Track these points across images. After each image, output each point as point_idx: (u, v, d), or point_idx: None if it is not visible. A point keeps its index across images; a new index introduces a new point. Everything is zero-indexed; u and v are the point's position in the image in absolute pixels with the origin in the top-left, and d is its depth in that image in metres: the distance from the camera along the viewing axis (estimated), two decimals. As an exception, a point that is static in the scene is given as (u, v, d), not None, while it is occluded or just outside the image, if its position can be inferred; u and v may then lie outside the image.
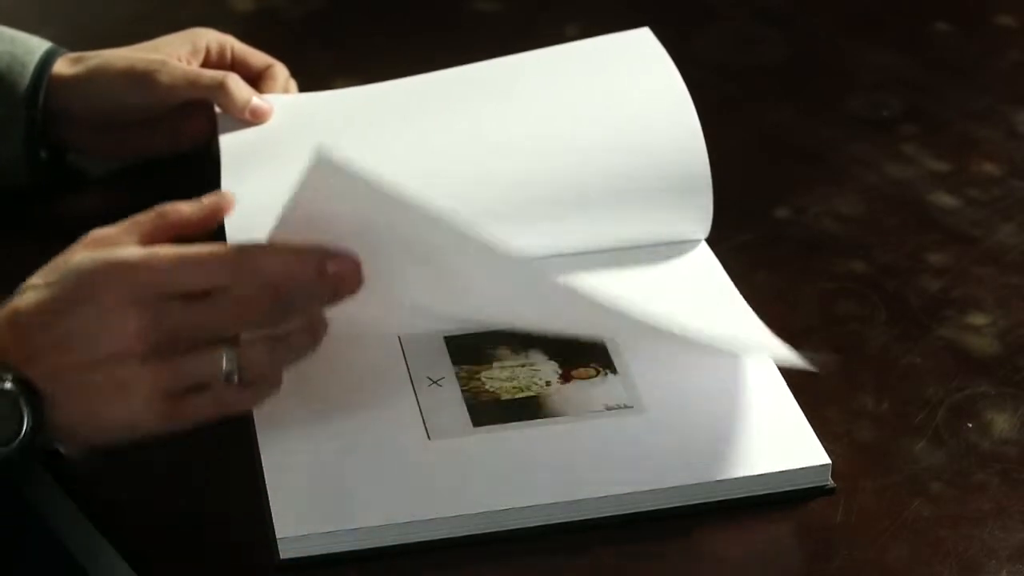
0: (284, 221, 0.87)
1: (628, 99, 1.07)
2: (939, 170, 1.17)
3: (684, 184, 1.04)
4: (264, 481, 0.90)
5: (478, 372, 0.97)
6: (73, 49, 1.11)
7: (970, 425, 0.96)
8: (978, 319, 1.04)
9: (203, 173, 1.07)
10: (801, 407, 0.95)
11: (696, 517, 0.90)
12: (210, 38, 1.14)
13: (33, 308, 0.86)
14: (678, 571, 0.89)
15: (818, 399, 0.96)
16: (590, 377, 0.97)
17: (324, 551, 0.88)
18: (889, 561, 0.88)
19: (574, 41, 1.12)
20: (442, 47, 1.25)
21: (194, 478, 0.93)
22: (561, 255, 1.04)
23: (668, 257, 1.05)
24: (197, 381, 0.87)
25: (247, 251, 0.87)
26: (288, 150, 1.02)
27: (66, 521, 0.95)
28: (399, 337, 0.99)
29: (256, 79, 1.14)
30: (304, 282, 0.87)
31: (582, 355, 0.98)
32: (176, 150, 1.12)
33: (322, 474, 0.91)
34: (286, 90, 1.15)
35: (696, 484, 0.90)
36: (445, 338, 0.99)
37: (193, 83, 1.09)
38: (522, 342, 0.99)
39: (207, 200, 0.91)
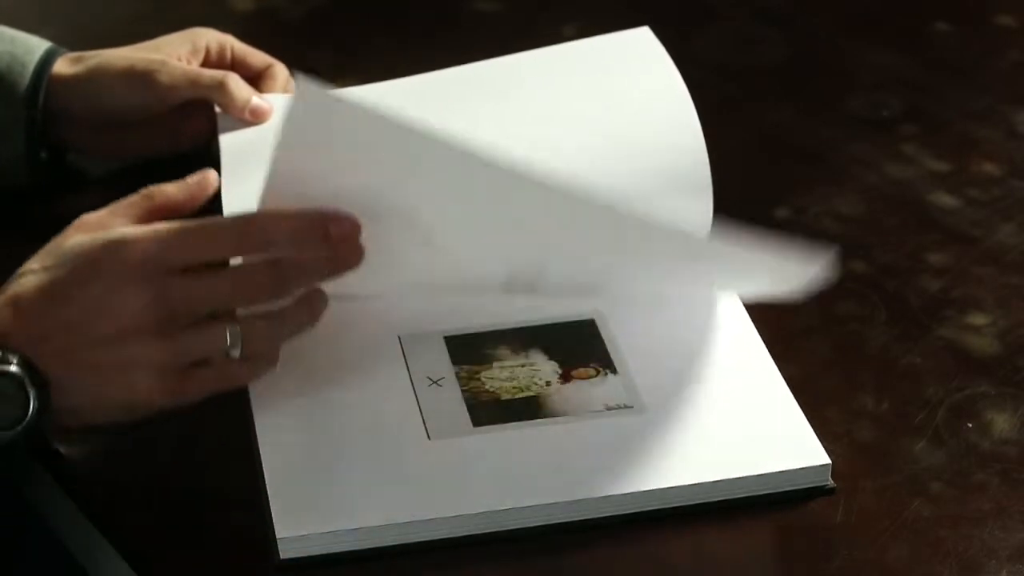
0: (276, 163, 0.88)
1: (628, 99, 1.07)
2: (939, 170, 1.17)
3: (684, 184, 1.04)
4: (264, 481, 0.90)
5: (478, 372, 0.97)
6: (73, 49, 1.11)
7: (970, 425, 0.96)
8: (978, 319, 1.04)
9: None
10: (801, 407, 0.95)
11: (696, 517, 0.90)
12: (210, 38, 1.14)
13: (35, 291, 0.87)
14: (678, 571, 0.89)
15: (818, 399, 0.96)
16: (590, 377, 0.97)
17: (324, 551, 0.88)
18: (889, 561, 0.88)
19: (573, 41, 1.12)
20: (442, 47, 1.25)
21: (194, 478, 0.93)
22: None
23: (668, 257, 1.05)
24: (200, 356, 0.89)
25: (249, 217, 0.89)
26: None
27: (66, 521, 0.95)
28: (399, 337, 0.99)
29: (256, 79, 1.14)
30: (307, 247, 0.89)
31: (582, 355, 0.98)
32: (176, 150, 1.12)
33: (322, 474, 0.91)
34: (286, 90, 1.15)
35: (696, 484, 0.90)
36: (445, 338, 0.99)
37: (193, 83, 1.09)
38: (522, 342, 0.99)
39: (191, 179, 0.93)
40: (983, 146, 1.20)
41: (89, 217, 0.91)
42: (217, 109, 1.10)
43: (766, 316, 1.01)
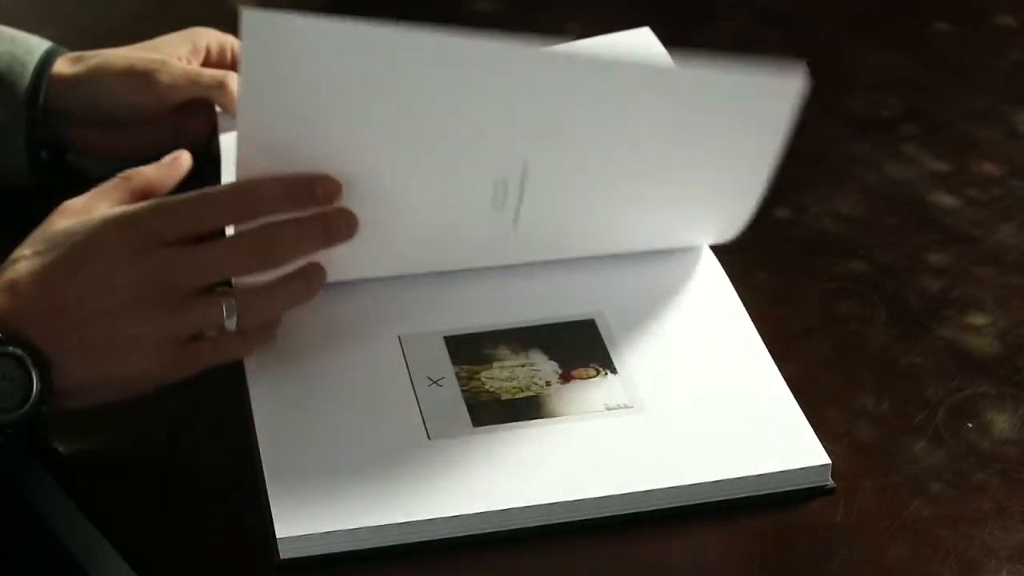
0: (243, 107, 0.90)
1: None
2: (939, 170, 1.17)
3: (724, 220, 1.03)
4: (264, 481, 0.90)
5: (478, 372, 0.97)
6: (73, 49, 1.11)
7: (970, 425, 0.96)
8: (978, 319, 1.04)
9: (203, 172, 1.07)
10: (801, 407, 0.95)
11: (696, 517, 0.90)
12: (210, 37, 1.14)
13: (30, 275, 0.88)
14: (678, 571, 0.89)
15: (818, 399, 0.96)
16: (590, 377, 0.97)
17: (324, 551, 0.88)
18: (889, 561, 0.88)
19: (574, 41, 1.12)
20: (442, 47, 1.25)
21: (194, 478, 0.93)
22: (559, 259, 1.04)
23: (667, 257, 1.05)
24: (197, 330, 0.90)
25: (235, 184, 0.92)
26: None
27: (66, 521, 0.95)
28: (399, 337, 0.99)
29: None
30: (296, 209, 0.91)
31: (582, 355, 0.98)
32: (176, 149, 1.12)
33: (322, 475, 0.91)
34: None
35: (696, 484, 0.90)
36: (445, 338, 0.99)
37: (193, 82, 1.09)
38: (522, 342, 0.99)
39: (165, 160, 0.96)
40: (983, 146, 1.20)
41: (72, 202, 0.93)
42: (217, 109, 1.11)
43: (766, 316, 1.01)
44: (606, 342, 0.99)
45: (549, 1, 1.37)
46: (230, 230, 0.94)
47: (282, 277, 0.94)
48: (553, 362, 0.98)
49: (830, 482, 0.92)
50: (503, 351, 0.98)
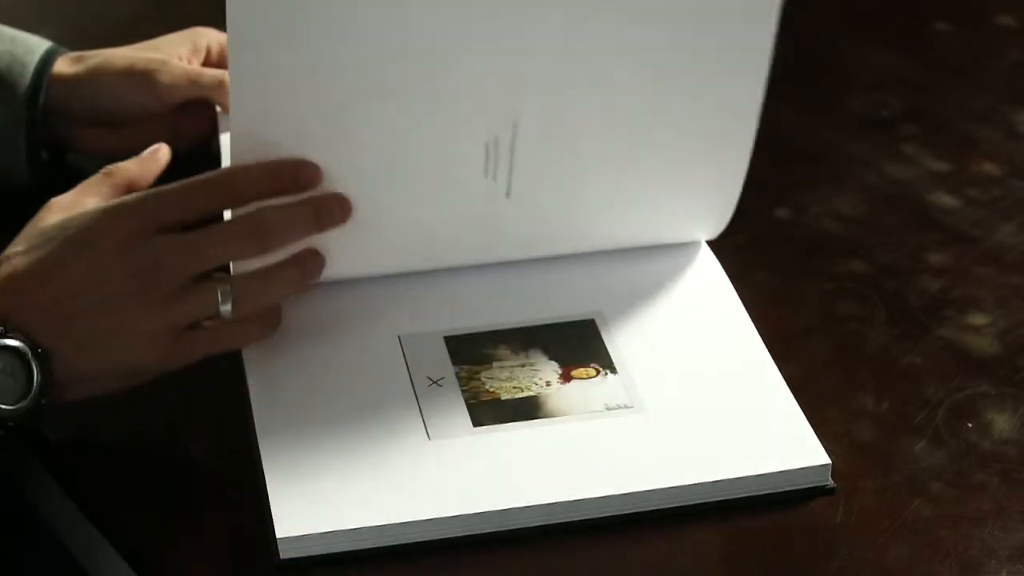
0: (235, 80, 0.92)
1: None
2: (939, 170, 1.17)
3: (710, 196, 1.03)
4: (264, 481, 0.90)
5: (478, 372, 0.97)
6: (73, 49, 1.11)
7: (970, 425, 0.96)
8: (978, 319, 1.04)
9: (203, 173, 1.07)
10: (801, 407, 0.95)
11: (696, 517, 0.90)
12: (211, 37, 1.14)
13: (26, 270, 0.90)
14: (678, 571, 0.89)
15: (818, 399, 0.96)
16: (590, 377, 0.97)
17: (324, 551, 0.88)
18: (889, 561, 0.88)
19: None
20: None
21: (194, 478, 0.93)
22: (558, 257, 1.04)
23: (667, 257, 1.05)
24: (193, 317, 0.92)
25: (220, 170, 0.94)
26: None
27: (66, 521, 0.95)
28: (399, 337, 0.99)
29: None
30: (281, 191, 0.93)
31: (582, 355, 0.98)
32: (177, 149, 1.12)
33: (322, 474, 0.91)
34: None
35: (696, 484, 0.90)
36: (445, 338, 0.99)
37: (194, 82, 1.09)
38: (522, 342, 0.99)
39: (145, 154, 0.98)
40: (983, 146, 1.20)
41: (59, 199, 0.94)
42: (218, 109, 1.11)
43: (766, 316, 1.01)
44: (606, 342, 0.99)
45: None
46: (228, 216, 0.95)
47: (278, 263, 0.95)
48: (553, 362, 0.98)
49: (830, 482, 0.92)
50: (503, 351, 0.98)
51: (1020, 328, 1.03)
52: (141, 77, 1.08)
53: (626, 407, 0.95)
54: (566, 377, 0.97)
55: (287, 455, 0.92)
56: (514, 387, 0.96)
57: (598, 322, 1.00)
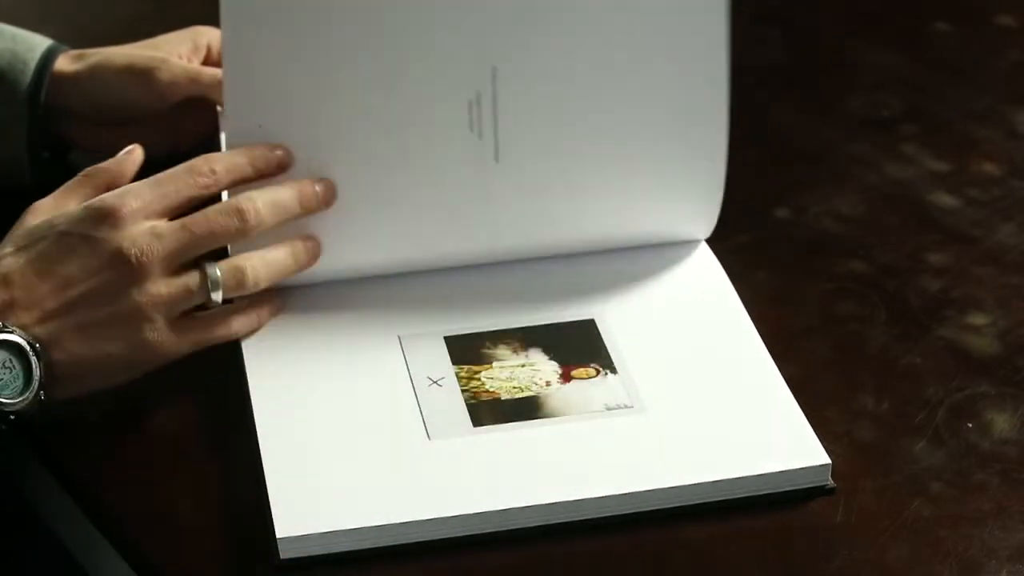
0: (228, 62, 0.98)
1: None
2: (939, 170, 1.17)
3: (696, 184, 1.03)
4: (264, 481, 0.90)
5: (478, 372, 0.97)
6: (73, 48, 1.11)
7: (970, 425, 0.96)
8: (978, 319, 1.04)
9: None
10: (801, 407, 0.95)
11: (696, 517, 0.90)
12: (211, 36, 1.14)
13: (21, 268, 0.92)
14: (678, 571, 0.89)
15: (818, 399, 0.96)
16: (590, 377, 0.97)
17: (324, 551, 0.88)
18: (889, 561, 0.88)
19: None
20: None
21: (194, 478, 0.93)
22: (557, 256, 1.05)
23: (667, 257, 1.05)
24: (187, 303, 0.94)
25: (197, 159, 0.97)
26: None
27: (66, 521, 0.95)
28: (399, 337, 0.99)
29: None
30: (258, 175, 0.97)
31: (582, 355, 0.98)
32: (177, 148, 1.12)
33: (322, 474, 0.91)
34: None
35: (696, 484, 0.90)
36: (445, 338, 0.99)
37: (193, 80, 1.09)
38: (522, 342, 0.99)
39: (121, 154, 1.01)
40: (983, 146, 1.20)
41: (41, 202, 0.97)
42: (219, 108, 1.10)
43: (766, 316, 1.01)
44: (606, 342, 0.99)
45: None
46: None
47: (269, 248, 0.98)
48: (553, 362, 0.98)
49: (830, 482, 0.92)
50: (503, 351, 0.98)
51: (1020, 328, 1.03)
52: (141, 75, 1.09)
53: (626, 407, 0.95)
54: (566, 377, 0.97)
55: (287, 455, 0.92)
56: (514, 387, 0.96)
57: (598, 322, 1.00)
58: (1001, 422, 0.97)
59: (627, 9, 1.00)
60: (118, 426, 0.95)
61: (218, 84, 1.09)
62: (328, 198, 0.99)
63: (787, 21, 1.35)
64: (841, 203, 1.14)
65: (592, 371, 0.97)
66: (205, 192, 0.96)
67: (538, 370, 0.97)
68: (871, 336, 1.02)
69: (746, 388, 0.96)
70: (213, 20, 1.16)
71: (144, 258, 0.92)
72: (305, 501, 0.89)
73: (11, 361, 0.89)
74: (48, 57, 1.09)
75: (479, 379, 0.96)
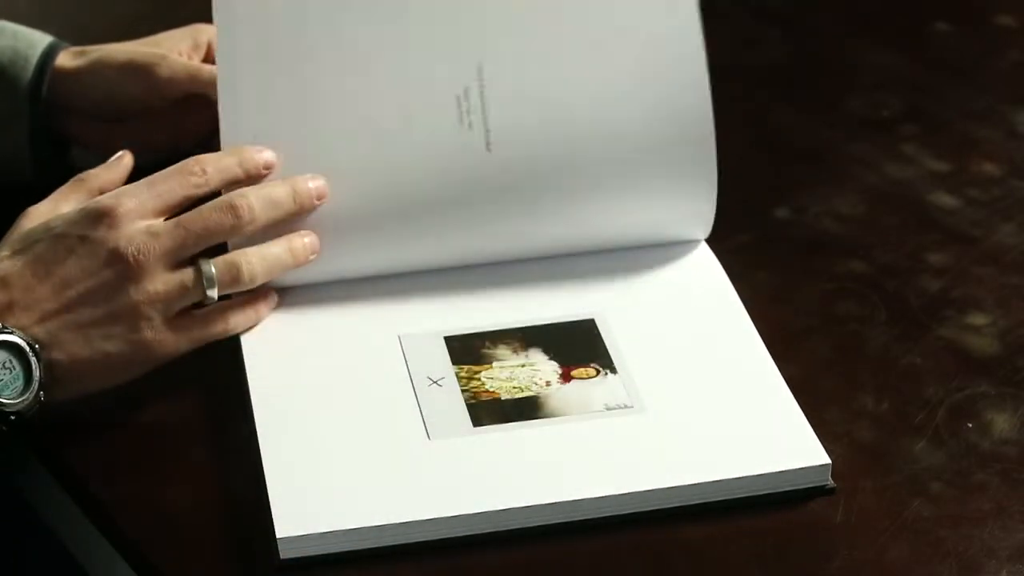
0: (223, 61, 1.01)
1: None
2: (939, 170, 1.17)
3: (690, 179, 1.03)
4: (264, 481, 0.90)
5: (478, 372, 0.97)
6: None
7: (970, 425, 0.96)
8: (978, 319, 1.04)
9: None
10: (801, 407, 0.95)
11: (696, 517, 0.90)
12: (212, 34, 1.14)
13: (19, 271, 0.92)
14: (678, 571, 0.89)
15: (818, 399, 0.96)
16: (590, 377, 0.97)
17: (324, 551, 0.88)
18: (889, 561, 0.88)
19: None
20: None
21: (194, 478, 0.93)
22: (557, 255, 1.04)
23: (667, 257, 1.05)
24: (183, 300, 0.95)
25: (187, 160, 0.98)
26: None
27: (66, 521, 0.95)
28: (399, 337, 0.99)
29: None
30: (247, 175, 0.99)
31: (582, 355, 0.98)
32: (178, 147, 1.12)
33: (322, 474, 0.91)
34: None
35: (696, 484, 0.90)
36: (445, 338, 0.99)
37: (193, 77, 1.09)
38: (522, 342, 0.99)
39: (112, 160, 1.03)
40: (983, 146, 1.20)
41: (35, 208, 0.98)
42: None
43: (766, 316, 1.01)
44: (606, 342, 0.99)
45: None
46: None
47: (264, 244, 0.98)
48: (553, 362, 0.98)
49: (830, 482, 0.92)
50: (503, 351, 0.98)
51: (1020, 328, 1.03)
52: (141, 70, 1.09)
53: (626, 407, 0.95)
54: (566, 377, 0.97)
55: (287, 455, 0.92)
56: (514, 387, 0.96)
57: (598, 322, 1.00)
58: (1001, 422, 0.97)
59: (605, 15, 1.03)
60: (118, 427, 0.95)
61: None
62: (322, 193, 1.00)
63: (787, 21, 1.35)
64: (841, 203, 1.14)
65: (592, 371, 0.97)
66: (197, 192, 0.97)
67: (538, 370, 0.97)
68: (871, 336, 1.02)
69: (746, 388, 0.96)
70: (212, 20, 1.16)
71: (141, 256, 0.93)
72: (305, 501, 0.89)
73: (11, 362, 0.89)
74: (49, 53, 1.09)
75: (479, 379, 0.96)
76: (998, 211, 1.13)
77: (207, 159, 0.98)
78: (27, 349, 0.90)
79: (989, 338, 1.02)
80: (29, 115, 1.08)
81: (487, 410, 0.94)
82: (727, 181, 1.04)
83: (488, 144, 1.01)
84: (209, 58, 1.13)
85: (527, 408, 0.95)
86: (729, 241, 1.06)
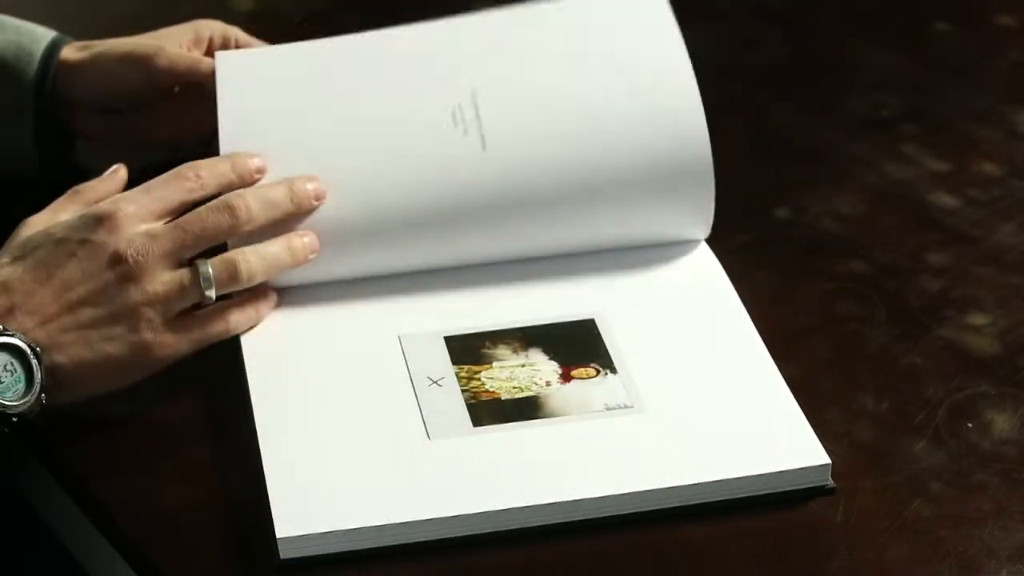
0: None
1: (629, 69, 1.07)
2: (939, 170, 1.17)
3: (687, 181, 1.03)
4: (264, 481, 0.90)
5: (478, 372, 0.97)
6: (75, 44, 1.12)
7: (970, 425, 0.96)
8: (978, 319, 1.04)
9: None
10: (801, 407, 0.95)
11: (696, 517, 0.90)
12: (214, 28, 1.14)
13: (20, 276, 0.93)
14: (678, 571, 0.89)
15: (818, 399, 0.96)
16: (590, 377, 0.97)
17: (324, 551, 0.88)
18: (889, 561, 0.88)
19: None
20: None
21: (194, 478, 0.93)
22: (557, 255, 1.05)
23: (667, 257, 1.05)
24: (182, 302, 0.95)
25: (183, 166, 1.00)
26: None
27: (66, 521, 0.95)
28: (399, 337, 0.99)
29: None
30: (241, 179, 1.00)
31: (582, 355, 0.98)
32: (179, 140, 1.12)
33: (322, 474, 0.91)
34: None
35: (696, 484, 0.90)
36: (445, 338, 0.99)
37: (192, 68, 1.10)
38: (522, 342, 0.99)
39: (107, 172, 1.04)
40: (983, 146, 1.20)
41: (34, 217, 0.99)
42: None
43: (766, 316, 1.01)
44: (606, 342, 0.99)
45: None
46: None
47: (262, 244, 0.99)
48: (553, 362, 0.98)
49: (830, 482, 0.92)
50: (503, 351, 0.98)
51: (1020, 328, 1.03)
52: (140, 60, 1.09)
53: (626, 407, 0.95)
54: (566, 377, 0.97)
55: (287, 455, 0.92)
56: (514, 387, 0.96)
57: (598, 322, 1.00)
58: (1001, 422, 0.97)
59: (591, 31, 1.07)
60: (118, 427, 0.95)
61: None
62: (320, 194, 1.01)
63: (787, 21, 1.35)
64: (841, 203, 1.14)
65: (592, 371, 0.97)
66: (193, 195, 0.98)
67: (538, 370, 0.97)
68: (871, 336, 1.02)
69: (746, 388, 0.96)
70: (211, 19, 1.16)
71: (141, 258, 0.94)
72: (305, 501, 0.89)
73: (12, 364, 0.90)
74: (53, 48, 1.10)
75: (479, 379, 0.96)
76: (998, 211, 1.13)
77: (201, 164, 1.00)
78: (28, 352, 0.90)
79: (989, 338, 1.02)
80: (34, 110, 1.08)
81: (487, 410, 0.94)
82: (727, 181, 1.04)
83: (484, 144, 1.02)
84: (211, 52, 1.13)
85: (527, 408, 0.95)
86: (729, 241, 1.06)
